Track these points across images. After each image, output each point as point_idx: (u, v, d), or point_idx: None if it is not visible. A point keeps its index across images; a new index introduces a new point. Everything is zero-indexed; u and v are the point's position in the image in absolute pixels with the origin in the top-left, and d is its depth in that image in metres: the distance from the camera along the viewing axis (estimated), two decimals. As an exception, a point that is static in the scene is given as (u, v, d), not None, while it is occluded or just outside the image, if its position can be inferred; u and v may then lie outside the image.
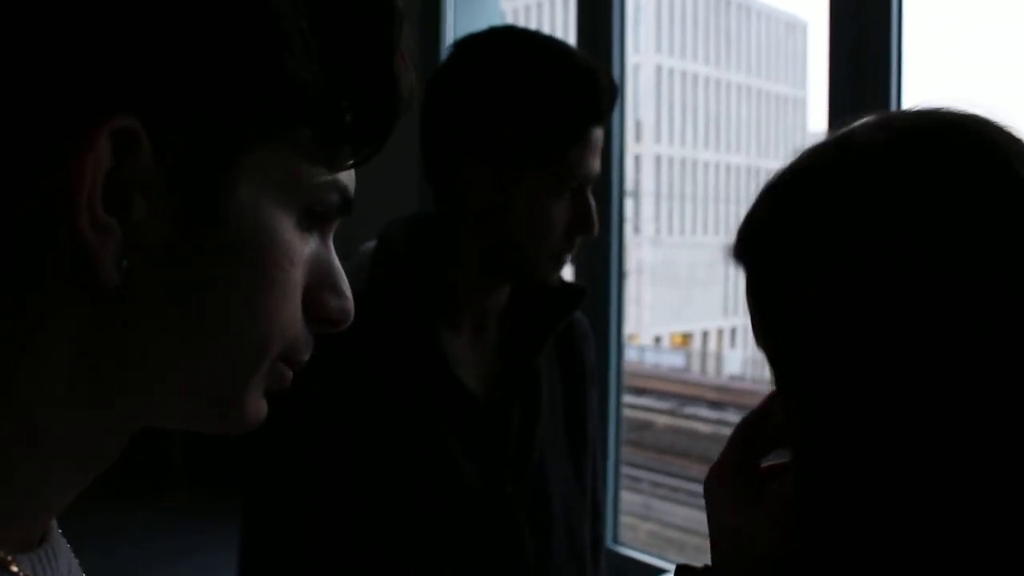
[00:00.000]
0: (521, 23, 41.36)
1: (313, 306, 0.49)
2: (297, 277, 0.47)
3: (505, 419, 1.20)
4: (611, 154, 2.93)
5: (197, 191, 0.43)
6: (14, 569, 0.43)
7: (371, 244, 1.22)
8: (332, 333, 0.47)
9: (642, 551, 3.03)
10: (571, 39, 3.14)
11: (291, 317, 0.47)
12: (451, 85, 1.17)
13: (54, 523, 0.49)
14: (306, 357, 0.50)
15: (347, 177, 0.49)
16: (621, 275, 3.07)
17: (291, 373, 0.50)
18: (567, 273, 1.29)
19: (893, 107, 2.30)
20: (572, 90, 1.12)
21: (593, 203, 1.17)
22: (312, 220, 0.48)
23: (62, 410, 0.43)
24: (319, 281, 0.49)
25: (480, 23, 3.64)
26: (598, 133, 1.15)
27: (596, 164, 1.16)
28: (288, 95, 0.43)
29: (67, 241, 0.40)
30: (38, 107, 0.40)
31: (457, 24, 3.59)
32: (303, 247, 0.47)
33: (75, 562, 0.51)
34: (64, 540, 0.50)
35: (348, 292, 0.51)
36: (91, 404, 0.44)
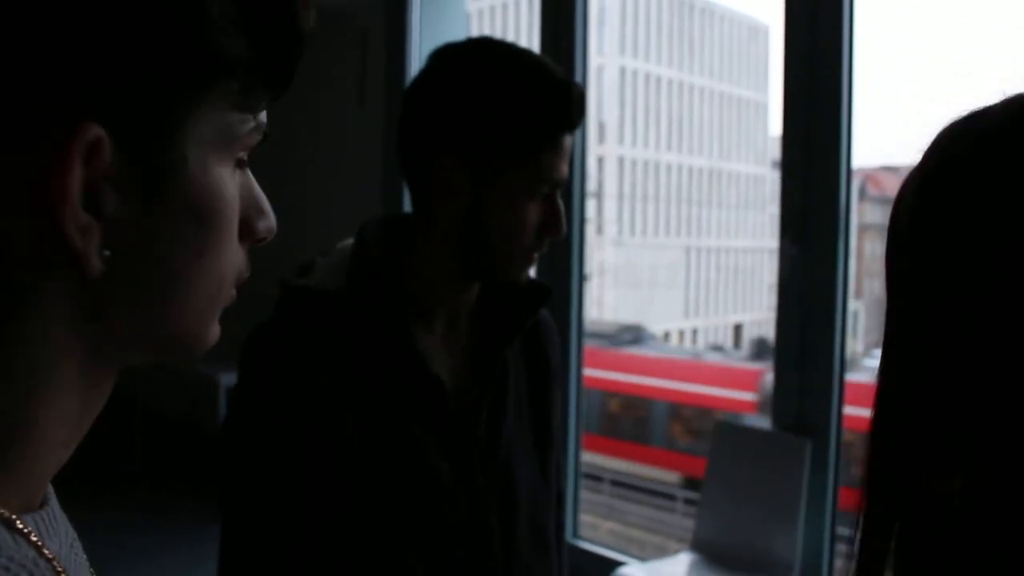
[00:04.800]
0: (486, 24, 41.31)
1: (246, 231, 0.54)
2: (236, 218, 0.52)
3: (475, 413, 1.25)
4: (573, 159, 2.98)
5: (155, 172, 0.46)
6: (19, 525, 0.47)
7: (348, 242, 1.26)
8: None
9: (600, 544, 3.09)
10: (535, 40, 3.18)
11: (235, 251, 0.52)
12: (431, 91, 1.22)
13: (51, 489, 0.53)
14: (247, 275, 0.55)
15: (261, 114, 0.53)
16: (582, 275, 3.12)
17: (235, 292, 0.54)
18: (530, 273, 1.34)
19: (844, 110, 2.36)
20: (547, 99, 1.18)
21: (562, 206, 1.23)
22: (240, 159, 0.52)
23: (59, 377, 0.47)
24: (248, 208, 0.54)
25: (445, 23, 3.67)
26: (568, 140, 1.22)
27: (566, 169, 1.22)
28: (217, 60, 0.47)
29: (54, 245, 0.43)
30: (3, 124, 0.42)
31: (423, 24, 3.62)
32: (236, 189, 0.52)
33: (71, 528, 0.54)
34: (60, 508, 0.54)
35: (270, 209, 0.55)
36: (84, 367, 0.48)
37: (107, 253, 0.45)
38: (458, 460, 1.22)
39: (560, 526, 1.42)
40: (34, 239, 0.43)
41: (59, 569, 0.48)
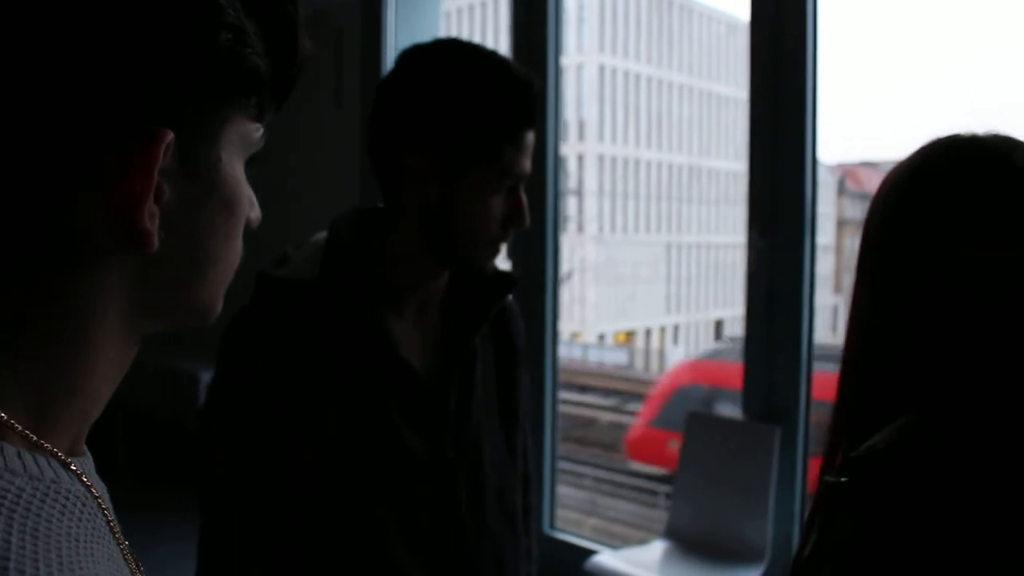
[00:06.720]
0: (464, 23, 41.25)
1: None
2: (248, 210, 0.61)
3: (444, 393, 1.30)
4: (546, 157, 3.03)
5: (199, 169, 0.56)
6: (73, 468, 0.55)
7: (322, 235, 1.31)
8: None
9: (575, 535, 3.14)
10: (507, 40, 3.22)
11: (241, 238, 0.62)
12: (400, 90, 1.27)
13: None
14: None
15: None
16: (556, 272, 3.17)
17: None
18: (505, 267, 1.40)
19: (809, 105, 2.42)
20: (508, 97, 1.24)
21: (525, 198, 1.28)
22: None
23: (109, 338, 0.56)
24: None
25: (421, 22, 3.70)
26: (530, 136, 1.28)
27: (528, 163, 1.28)
28: (254, 80, 0.57)
29: (126, 227, 0.52)
30: (97, 130, 0.50)
31: (398, 24, 3.65)
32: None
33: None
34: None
35: (256, 202, 0.64)
36: (126, 330, 0.57)
37: (162, 235, 0.54)
38: (428, 436, 1.27)
39: (529, 508, 1.47)
40: (111, 220, 0.52)
41: (104, 507, 0.56)
